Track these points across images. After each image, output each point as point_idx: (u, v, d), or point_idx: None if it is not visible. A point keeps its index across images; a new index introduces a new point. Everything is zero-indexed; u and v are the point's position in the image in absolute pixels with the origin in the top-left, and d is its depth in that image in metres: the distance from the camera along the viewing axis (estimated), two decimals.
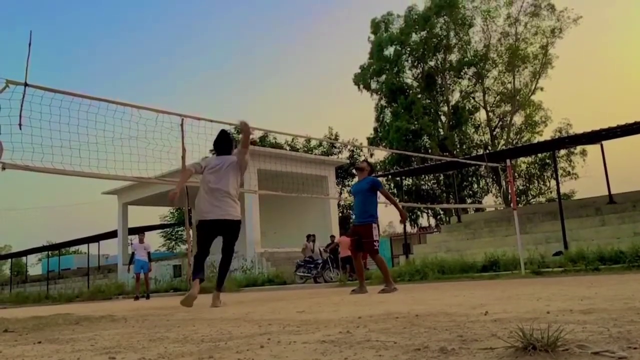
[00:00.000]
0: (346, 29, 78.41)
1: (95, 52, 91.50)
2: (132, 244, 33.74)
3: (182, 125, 6.93)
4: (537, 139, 31.09)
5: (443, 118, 34.15)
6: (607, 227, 14.23)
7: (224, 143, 5.56)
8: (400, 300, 4.70)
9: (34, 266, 56.21)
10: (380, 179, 12.12)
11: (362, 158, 35.19)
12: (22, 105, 5.15)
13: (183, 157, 7.05)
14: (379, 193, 7.15)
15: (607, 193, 16.12)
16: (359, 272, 7.37)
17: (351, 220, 35.22)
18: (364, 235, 6.98)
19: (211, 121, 7.17)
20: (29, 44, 5.08)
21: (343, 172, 34.70)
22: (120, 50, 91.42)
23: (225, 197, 5.33)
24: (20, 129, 5.14)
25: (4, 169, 5.12)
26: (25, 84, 5.19)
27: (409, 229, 31.68)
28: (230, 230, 5.42)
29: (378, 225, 7.17)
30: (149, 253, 15.09)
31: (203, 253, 5.45)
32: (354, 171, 11.09)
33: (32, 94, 5.27)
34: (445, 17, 32.55)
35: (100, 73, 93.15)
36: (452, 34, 33.05)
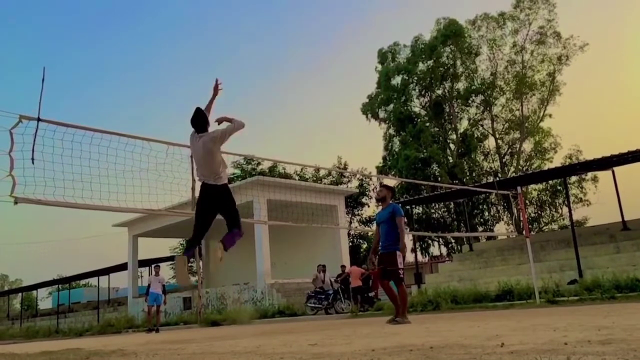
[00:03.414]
0: (353, 59, 79.35)
1: (107, 84, 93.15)
2: (142, 276, 33.55)
3: (191, 157, 6.97)
4: (547, 165, 30.97)
5: (452, 146, 34.17)
6: (622, 255, 14.01)
7: (199, 119, 5.56)
8: (414, 331, 4.63)
9: (45, 300, 56.20)
10: None
11: (372, 187, 35.11)
12: (34, 140, 5.21)
13: (193, 189, 7.08)
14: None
15: (620, 219, 15.93)
16: (392, 299, 7.17)
17: (361, 251, 34.98)
18: (388, 264, 6.92)
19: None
20: (42, 80, 5.16)
21: (353, 202, 34.64)
22: (130, 84, 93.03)
23: (205, 179, 5.49)
24: (33, 163, 5.18)
25: (16, 203, 5.16)
26: (38, 119, 5.25)
27: (420, 258, 31.44)
28: (219, 196, 5.45)
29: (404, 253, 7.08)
30: (163, 286, 15.17)
31: (199, 222, 5.45)
32: (376, 203, 10.71)
33: (44, 128, 5.34)
34: (451, 46, 32.89)
35: (113, 106, 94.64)
36: (458, 62, 33.33)
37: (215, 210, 5.48)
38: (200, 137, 5.50)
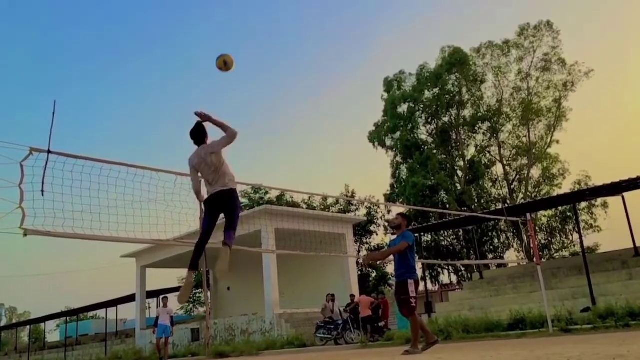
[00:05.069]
0: (359, 88, 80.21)
1: (116, 116, 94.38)
2: (149, 307, 33.38)
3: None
4: (556, 191, 30.79)
5: (459, 173, 34.14)
6: (635, 281, 13.79)
7: (197, 132, 5.73)
8: None
9: (53, 332, 55.90)
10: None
11: (380, 215, 35.01)
12: (44, 172, 5.26)
13: (201, 218, 7.08)
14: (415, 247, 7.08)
15: (632, 245, 15.74)
16: (421, 328, 7.04)
17: (370, 279, 34.66)
18: (400, 292, 6.84)
19: None
20: (53, 113, 5.23)
21: (361, 230, 34.51)
22: (139, 115, 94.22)
23: (220, 186, 5.61)
24: (43, 195, 5.22)
25: (26, 235, 5.17)
26: (49, 151, 5.31)
27: (430, 286, 31.08)
28: (227, 199, 5.58)
29: (416, 281, 6.95)
30: (172, 317, 15.15)
31: (205, 233, 5.65)
32: (390, 230, 10.88)
33: (54, 160, 5.39)
34: (456, 74, 33.15)
35: (122, 137, 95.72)
36: (464, 90, 33.54)
37: (221, 210, 5.61)
38: (202, 149, 5.69)
